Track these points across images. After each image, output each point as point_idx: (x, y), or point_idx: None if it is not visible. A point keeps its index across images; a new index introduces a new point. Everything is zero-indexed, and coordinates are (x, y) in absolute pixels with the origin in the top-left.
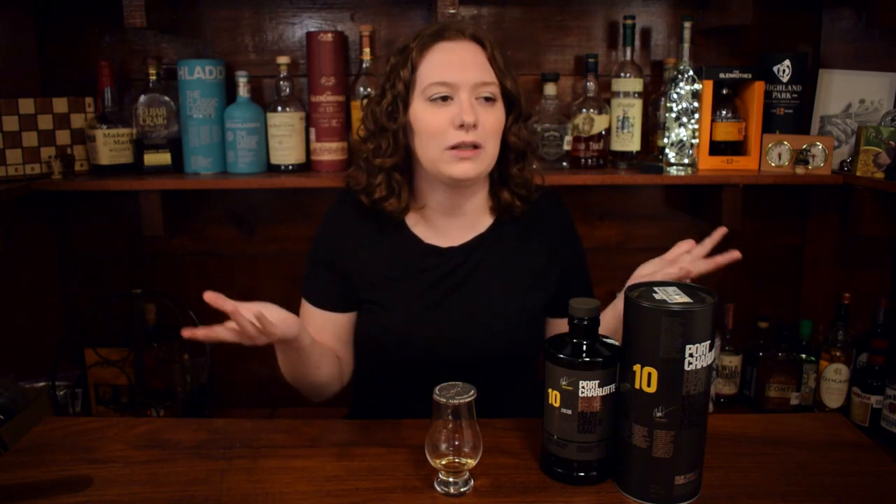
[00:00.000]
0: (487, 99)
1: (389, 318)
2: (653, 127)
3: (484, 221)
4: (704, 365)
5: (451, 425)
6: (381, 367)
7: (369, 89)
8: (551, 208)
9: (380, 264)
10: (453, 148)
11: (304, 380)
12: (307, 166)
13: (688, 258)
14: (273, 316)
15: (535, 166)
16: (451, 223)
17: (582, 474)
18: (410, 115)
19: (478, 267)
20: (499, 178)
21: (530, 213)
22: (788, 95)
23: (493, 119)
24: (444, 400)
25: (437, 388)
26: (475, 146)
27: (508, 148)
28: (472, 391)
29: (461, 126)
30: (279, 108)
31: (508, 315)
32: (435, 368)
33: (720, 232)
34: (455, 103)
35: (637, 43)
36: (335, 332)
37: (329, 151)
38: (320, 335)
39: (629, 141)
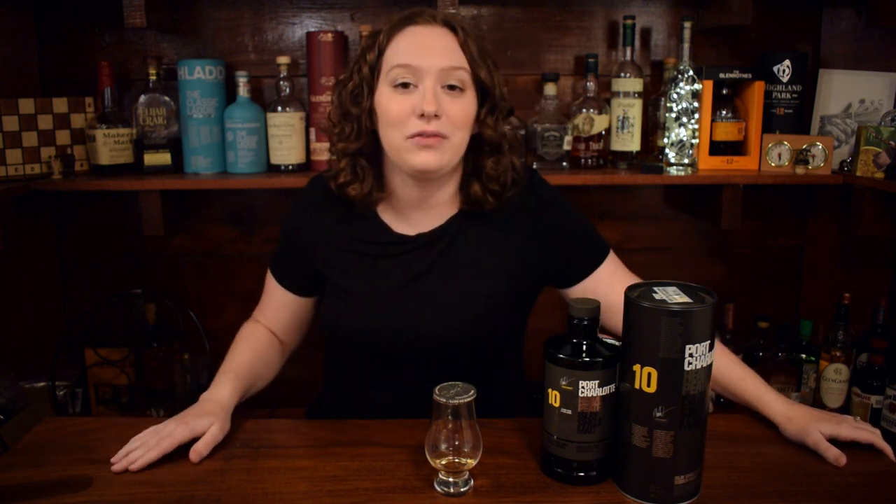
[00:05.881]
0: (454, 87)
1: (354, 304)
2: (653, 127)
3: (454, 209)
4: (704, 365)
5: (451, 425)
6: (348, 352)
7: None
8: (524, 188)
9: (347, 249)
10: (414, 136)
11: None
12: (307, 166)
13: None
14: (208, 443)
15: (517, 163)
16: (421, 213)
17: (582, 474)
18: (375, 101)
19: (445, 254)
20: (472, 170)
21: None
22: (788, 95)
23: (458, 109)
24: (444, 400)
25: (437, 388)
26: (438, 135)
27: (483, 140)
28: (472, 391)
29: (422, 115)
30: (279, 108)
31: (476, 302)
32: (401, 355)
33: None
34: (418, 91)
35: (637, 43)
36: (295, 313)
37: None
38: (281, 312)
39: (629, 141)
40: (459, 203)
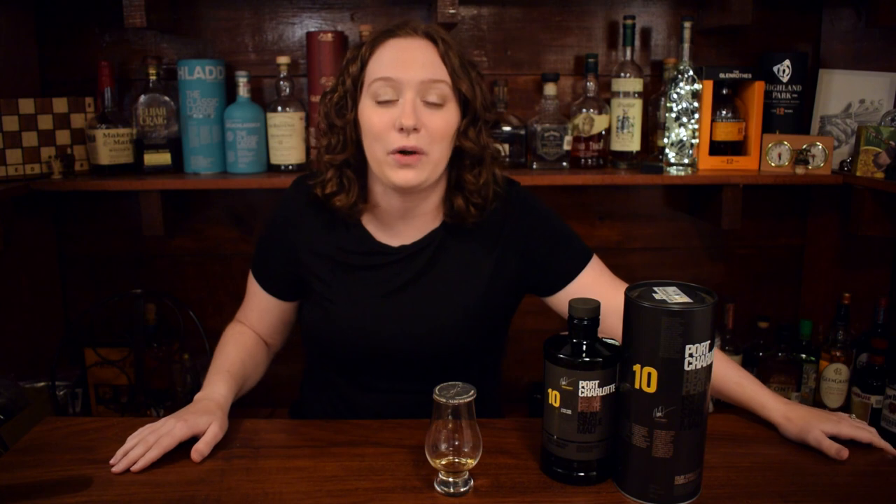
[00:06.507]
0: (434, 102)
1: (336, 312)
2: (653, 127)
3: (437, 220)
4: (704, 365)
5: (451, 425)
6: (329, 359)
7: None
8: (503, 198)
9: (330, 257)
10: (397, 152)
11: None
12: (307, 166)
13: None
14: (209, 442)
15: (498, 175)
16: (404, 224)
17: (582, 474)
18: (358, 113)
19: (428, 266)
20: (455, 184)
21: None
22: (788, 95)
23: (439, 122)
24: (444, 400)
25: (437, 387)
26: (416, 152)
27: (463, 153)
28: (472, 391)
29: (401, 129)
30: (279, 108)
31: (458, 312)
32: (382, 363)
33: None
34: (398, 105)
35: (637, 43)
36: (279, 316)
37: None
38: (265, 315)
39: (629, 141)
40: (443, 215)
